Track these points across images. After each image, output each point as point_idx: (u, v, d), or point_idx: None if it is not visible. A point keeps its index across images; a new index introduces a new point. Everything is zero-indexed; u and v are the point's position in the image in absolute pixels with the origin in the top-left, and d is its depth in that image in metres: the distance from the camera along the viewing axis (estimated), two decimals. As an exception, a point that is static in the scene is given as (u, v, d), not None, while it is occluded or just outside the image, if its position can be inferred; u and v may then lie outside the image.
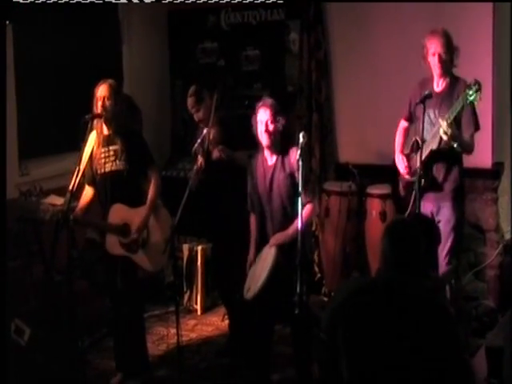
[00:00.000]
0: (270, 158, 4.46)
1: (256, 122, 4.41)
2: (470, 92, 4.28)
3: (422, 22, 5.80)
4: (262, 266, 4.29)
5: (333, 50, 6.34)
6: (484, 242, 5.68)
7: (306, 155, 3.97)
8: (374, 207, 5.66)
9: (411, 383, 2.71)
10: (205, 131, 4.70)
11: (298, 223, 3.87)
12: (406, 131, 4.91)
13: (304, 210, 4.08)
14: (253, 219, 4.59)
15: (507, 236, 5.66)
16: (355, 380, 2.76)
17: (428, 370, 2.70)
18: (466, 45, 5.60)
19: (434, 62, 4.58)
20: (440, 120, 4.39)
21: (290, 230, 4.27)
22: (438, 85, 4.65)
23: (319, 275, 5.99)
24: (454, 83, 4.59)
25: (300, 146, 3.98)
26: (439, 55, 4.54)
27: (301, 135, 4.02)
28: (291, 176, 4.34)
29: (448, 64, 4.58)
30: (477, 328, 5.10)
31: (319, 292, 5.92)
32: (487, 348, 3.91)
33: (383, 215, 5.56)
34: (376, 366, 2.73)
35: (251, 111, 4.62)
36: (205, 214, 5.19)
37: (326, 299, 5.83)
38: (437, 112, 4.55)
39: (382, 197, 5.60)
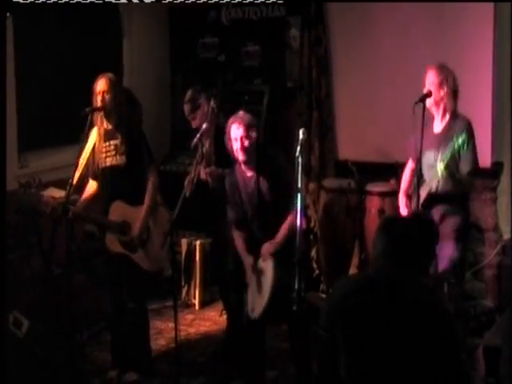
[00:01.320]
0: (248, 171, 4.48)
1: (230, 140, 4.39)
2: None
3: (423, 20, 5.82)
4: (262, 282, 4.27)
5: (333, 46, 6.33)
6: (483, 241, 5.69)
7: (303, 153, 3.95)
8: (373, 205, 5.66)
9: (409, 381, 2.71)
10: (204, 126, 4.68)
11: (297, 221, 3.84)
12: (414, 172, 4.73)
13: (286, 221, 4.27)
14: (237, 236, 4.55)
15: (506, 236, 5.66)
16: (354, 377, 2.76)
17: (426, 368, 2.70)
18: (466, 44, 5.63)
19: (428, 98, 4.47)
20: (438, 162, 4.35)
21: (278, 238, 4.32)
22: (437, 126, 4.59)
23: (317, 272, 5.99)
24: (453, 123, 4.48)
25: (300, 142, 3.98)
26: (432, 91, 4.46)
27: (301, 132, 4.02)
28: (272, 188, 4.36)
29: (444, 100, 4.49)
30: (475, 327, 5.11)
31: (317, 289, 5.93)
32: (485, 347, 3.93)
33: (382, 213, 5.56)
34: (374, 364, 2.74)
35: (251, 107, 4.62)
36: (204, 209, 5.18)
37: (323, 296, 5.83)
38: (436, 153, 4.46)
39: (382, 194, 5.61)
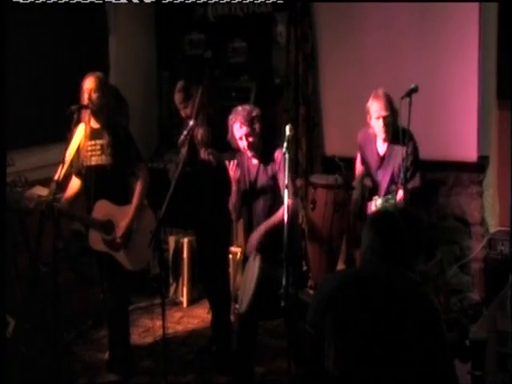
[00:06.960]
0: (254, 158, 4.50)
1: (235, 139, 4.41)
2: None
3: (409, 16, 5.83)
4: (250, 277, 4.28)
5: (320, 43, 6.33)
6: (469, 235, 5.72)
7: (291, 148, 3.96)
8: (360, 200, 5.67)
9: (398, 374, 2.72)
10: (191, 123, 4.67)
11: (285, 217, 3.85)
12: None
13: (276, 213, 4.29)
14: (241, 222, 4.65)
15: (492, 229, 5.69)
16: (343, 371, 2.76)
17: (414, 360, 2.71)
18: (452, 39, 5.64)
19: (378, 127, 4.68)
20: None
21: (262, 227, 4.35)
22: (381, 147, 4.82)
23: (305, 268, 5.99)
24: (392, 149, 4.72)
25: (286, 138, 3.98)
26: (384, 118, 4.63)
27: (287, 128, 4.02)
28: (274, 178, 4.37)
29: (388, 126, 4.67)
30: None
31: (305, 285, 5.93)
32: (471, 340, 3.93)
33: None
34: (363, 357, 2.74)
35: (238, 103, 4.61)
36: (190, 207, 5.17)
37: (311, 292, 5.84)
38: (381, 174, 4.79)
39: (368, 190, 5.62)
